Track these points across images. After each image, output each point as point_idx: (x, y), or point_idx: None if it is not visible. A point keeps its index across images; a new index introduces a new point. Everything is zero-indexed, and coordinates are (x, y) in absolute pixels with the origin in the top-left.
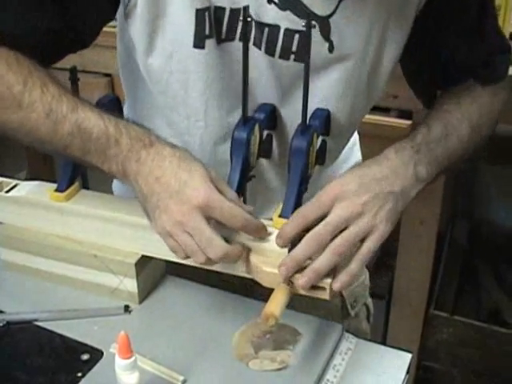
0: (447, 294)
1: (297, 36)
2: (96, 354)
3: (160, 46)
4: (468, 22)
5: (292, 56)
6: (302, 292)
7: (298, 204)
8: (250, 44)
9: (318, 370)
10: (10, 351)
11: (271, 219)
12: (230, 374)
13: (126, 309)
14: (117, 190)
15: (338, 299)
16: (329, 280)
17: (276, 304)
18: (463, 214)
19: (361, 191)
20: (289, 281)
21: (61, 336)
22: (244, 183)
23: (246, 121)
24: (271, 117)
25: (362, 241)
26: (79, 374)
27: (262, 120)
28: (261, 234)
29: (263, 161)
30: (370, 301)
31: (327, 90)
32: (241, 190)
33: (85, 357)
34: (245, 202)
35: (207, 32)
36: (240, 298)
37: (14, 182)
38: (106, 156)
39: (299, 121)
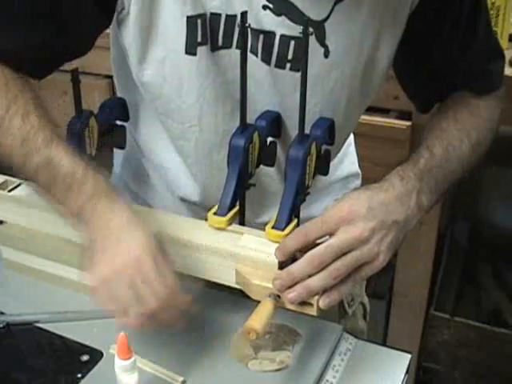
0: (447, 295)
1: (292, 43)
2: (96, 355)
3: (153, 52)
4: (460, 21)
5: (288, 65)
6: (289, 306)
7: (293, 215)
8: (247, 51)
9: (318, 370)
10: (11, 352)
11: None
12: (230, 374)
13: None
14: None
15: None
16: (316, 296)
17: (259, 318)
18: (464, 214)
19: (369, 216)
20: (276, 295)
21: (61, 337)
22: (241, 192)
23: (244, 128)
24: (275, 124)
25: (360, 265)
26: (79, 375)
27: (264, 127)
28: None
29: (268, 168)
30: (366, 299)
31: (324, 96)
32: (237, 199)
33: (85, 358)
34: (243, 210)
35: (199, 39)
36: (238, 298)
37: (18, 181)
38: (66, 197)
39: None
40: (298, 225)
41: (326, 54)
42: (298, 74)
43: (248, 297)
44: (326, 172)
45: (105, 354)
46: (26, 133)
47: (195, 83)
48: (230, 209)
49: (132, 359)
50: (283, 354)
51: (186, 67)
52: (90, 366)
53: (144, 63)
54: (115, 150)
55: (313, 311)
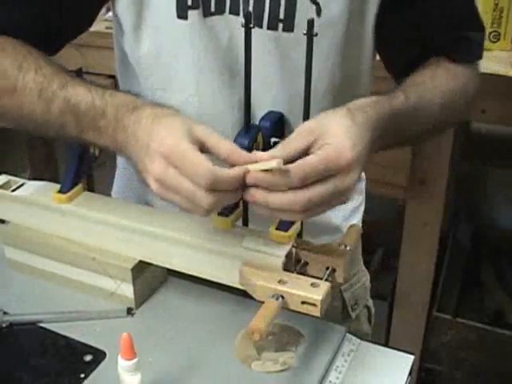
0: (450, 296)
1: (283, 1)
2: (99, 355)
3: (147, 20)
4: None
5: (280, 25)
6: (292, 307)
7: None
8: (240, 16)
9: (321, 371)
10: (14, 352)
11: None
12: (233, 375)
13: (129, 311)
14: (116, 195)
15: (339, 301)
16: (320, 297)
17: (263, 319)
18: (466, 215)
19: (360, 160)
20: (280, 295)
21: (64, 337)
22: None
23: (247, 129)
24: (278, 124)
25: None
26: (82, 375)
27: (268, 128)
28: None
29: None
30: (371, 302)
31: (319, 59)
32: (240, 200)
33: (88, 358)
34: (247, 211)
35: (190, 3)
36: (242, 299)
37: (22, 181)
38: (97, 130)
39: None
40: (301, 226)
41: (318, 12)
42: (291, 35)
43: (252, 297)
44: None
45: (108, 355)
46: (40, 83)
47: (189, 48)
48: (234, 209)
49: (135, 360)
50: (286, 354)
51: (179, 32)
52: (94, 366)
53: (139, 34)
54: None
55: (316, 312)
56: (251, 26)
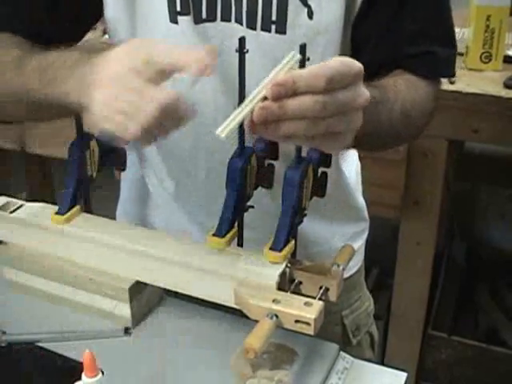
0: (445, 314)
1: (275, 2)
2: None
3: (141, 22)
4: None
5: (273, 27)
6: (286, 326)
7: (290, 236)
8: (232, 22)
9: None
10: (12, 371)
11: None
12: None
13: (126, 331)
14: (120, 216)
15: (339, 327)
16: (313, 316)
17: (258, 338)
18: (461, 234)
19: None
20: (274, 315)
21: (62, 356)
22: (239, 214)
23: (242, 150)
24: (273, 146)
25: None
26: None
27: (263, 149)
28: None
29: (266, 191)
30: (374, 328)
31: (313, 63)
32: (235, 221)
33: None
34: (241, 232)
35: (178, 8)
36: (237, 318)
37: (20, 202)
38: (56, 79)
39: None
40: (295, 246)
41: (310, 15)
42: (284, 37)
43: (247, 316)
44: (322, 194)
45: (105, 374)
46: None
47: None
48: (229, 230)
49: (98, 377)
50: (281, 373)
51: (173, 35)
52: None
53: (135, 36)
54: (122, 176)
55: (310, 331)
56: (245, 50)
